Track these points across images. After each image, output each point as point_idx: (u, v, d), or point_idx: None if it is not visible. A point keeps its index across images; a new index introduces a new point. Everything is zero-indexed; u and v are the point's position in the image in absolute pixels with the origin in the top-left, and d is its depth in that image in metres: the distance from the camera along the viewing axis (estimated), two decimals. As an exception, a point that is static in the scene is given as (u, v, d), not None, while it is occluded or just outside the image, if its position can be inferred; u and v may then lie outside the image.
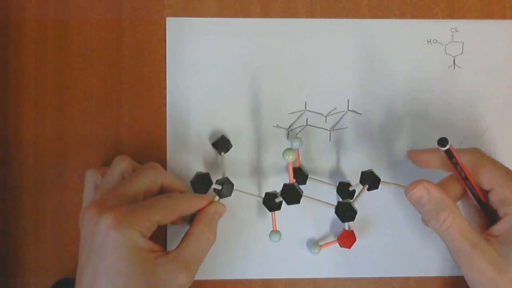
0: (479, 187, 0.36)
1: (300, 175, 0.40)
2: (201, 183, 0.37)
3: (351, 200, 0.37)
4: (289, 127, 0.42)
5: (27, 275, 0.41)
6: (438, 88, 0.42)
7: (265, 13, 0.42)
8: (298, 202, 0.36)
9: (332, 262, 0.41)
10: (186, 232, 0.36)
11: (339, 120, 0.42)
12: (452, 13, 0.43)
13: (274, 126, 0.42)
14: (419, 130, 0.42)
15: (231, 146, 0.41)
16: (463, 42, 0.43)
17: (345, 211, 0.36)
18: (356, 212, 0.36)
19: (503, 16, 0.43)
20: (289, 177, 0.36)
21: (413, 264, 0.42)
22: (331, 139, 0.42)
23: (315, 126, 0.42)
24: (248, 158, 0.42)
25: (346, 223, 0.40)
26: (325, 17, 0.42)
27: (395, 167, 0.42)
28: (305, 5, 0.42)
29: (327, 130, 0.42)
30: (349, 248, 0.40)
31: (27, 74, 0.41)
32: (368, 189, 0.38)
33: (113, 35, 0.42)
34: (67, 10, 0.42)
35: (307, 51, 0.42)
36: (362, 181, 0.39)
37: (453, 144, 0.42)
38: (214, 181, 0.38)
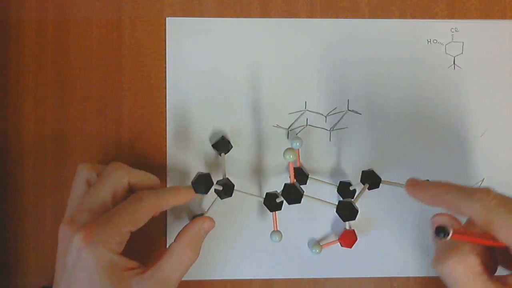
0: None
1: (301, 175, 0.40)
2: (202, 183, 0.36)
3: (352, 199, 0.37)
4: (289, 127, 0.42)
5: (27, 275, 0.41)
6: (438, 88, 0.42)
7: (265, 13, 0.42)
8: (299, 202, 0.36)
9: (332, 262, 0.41)
10: (168, 247, 0.35)
11: (339, 120, 0.42)
12: (452, 13, 0.43)
13: (274, 126, 0.42)
14: (419, 130, 0.42)
15: (231, 147, 0.41)
16: (463, 42, 0.43)
17: (346, 210, 0.36)
18: (357, 211, 0.36)
19: (503, 16, 0.43)
20: (290, 177, 0.36)
21: (413, 264, 0.42)
22: (331, 139, 0.42)
23: (315, 126, 0.42)
24: (248, 158, 0.41)
25: (347, 223, 0.40)
26: (325, 17, 0.42)
27: (395, 167, 0.42)
28: (305, 5, 0.42)
29: (327, 130, 0.42)
30: (350, 247, 0.40)
31: (27, 74, 0.41)
32: (369, 188, 0.38)
33: (113, 35, 0.42)
34: (67, 10, 0.42)
35: (307, 51, 0.42)
36: (362, 181, 0.39)
37: (453, 144, 0.42)
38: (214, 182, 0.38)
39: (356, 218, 0.36)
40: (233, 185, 0.38)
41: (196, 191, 0.36)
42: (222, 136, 0.41)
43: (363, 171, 0.39)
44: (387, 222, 0.42)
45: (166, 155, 0.41)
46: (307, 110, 0.42)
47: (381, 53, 0.42)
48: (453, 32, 0.43)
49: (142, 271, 0.33)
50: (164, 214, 0.41)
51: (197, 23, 0.42)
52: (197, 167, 0.41)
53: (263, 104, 0.42)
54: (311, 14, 0.42)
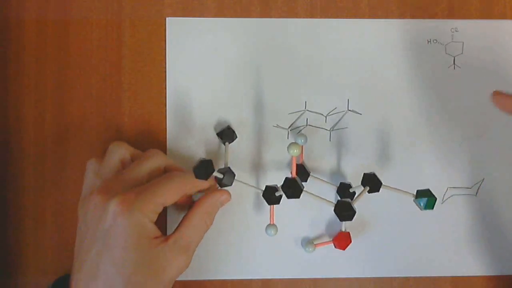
0: None
1: (302, 172, 0.40)
2: (203, 169, 0.36)
3: (351, 200, 0.37)
4: (289, 127, 0.42)
5: (27, 275, 0.41)
6: (438, 88, 0.42)
7: (265, 13, 0.42)
8: (298, 197, 0.36)
9: (332, 262, 0.41)
10: (185, 215, 0.36)
11: (339, 120, 0.42)
12: (452, 13, 0.43)
13: (274, 126, 0.42)
14: (419, 130, 0.42)
15: (236, 137, 0.41)
16: (463, 42, 0.43)
17: (344, 210, 0.36)
18: (354, 212, 0.36)
19: (503, 16, 0.43)
20: (291, 171, 0.36)
21: (413, 264, 0.42)
22: (331, 139, 0.42)
23: (315, 126, 0.42)
24: (248, 158, 0.41)
25: (343, 224, 0.40)
26: (325, 17, 0.42)
27: (395, 167, 0.42)
28: (305, 5, 0.42)
29: (327, 130, 0.42)
30: (344, 249, 0.40)
31: (27, 74, 0.41)
32: (369, 192, 0.38)
33: (113, 35, 0.42)
34: (67, 10, 0.42)
35: (307, 51, 0.42)
36: (363, 183, 0.39)
37: (453, 144, 0.42)
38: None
39: (354, 219, 0.36)
40: (234, 174, 0.38)
41: (197, 177, 0.36)
42: (228, 126, 0.41)
43: (364, 174, 0.39)
44: (387, 222, 0.42)
45: (166, 155, 0.41)
46: (307, 110, 0.42)
47: (381, 53, 0.42)
48: (453, 32, 0.43)
49: (166, 238, 0.35)
50: (164, 214, 0.41)
51: (197, 23, 0.42)
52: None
53: (263, 104, 0.42)
54: (311, 14, 0.42)
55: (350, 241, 0.40)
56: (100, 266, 0.32)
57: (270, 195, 0.37)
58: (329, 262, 0.41)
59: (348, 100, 0.42)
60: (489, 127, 0.42)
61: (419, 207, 0.36)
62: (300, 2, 0.42)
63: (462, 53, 0.43)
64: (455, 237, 0.42)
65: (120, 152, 0.38)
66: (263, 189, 0.38)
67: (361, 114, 0.42)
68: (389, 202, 0.42)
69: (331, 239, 0.41)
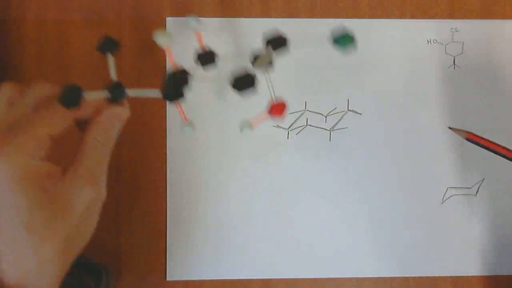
0: None
1: (209, 54, 0.35)
2: (68, 95, 0.32)
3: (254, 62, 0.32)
4: (289, 127, 0.42)
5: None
6: (438, 88, 0.42)
7: (265, 13, 0.42)
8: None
9: (332, 262, 0.41)
10: (80, 141, 0.32)
11: (339, 120, 0.42)
12: (452, 13, 0.43)
13: (274, 126, 0.42)
14: (419, 130, 0.42)
15: (119, 45, 0.35)
16: (463, 42, 0.43)
17: (240, 80, 0.31)
18: (253, 77, 0.31)
19: (503, 16, 0.43)
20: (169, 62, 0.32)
21: (413, 264, 0.42)
22: (331, 139, 0.42)
23: (315, 126, 0.42)
24: (249, 158, 0.41)
25: (273, 96, 0.34)
26: (325, 17, 0.42)
27: (395, 167, 0.42)
28: (305, 5, 0.42)
29: (327, 130, 0.42)
30: (282, 115, 0.34)
31: (27, 74, 0.41)
32: (274, 49, 0.33)
33: (113, 35, 0.42)
34: (67, 10, 0.42)
35: (307, 51, 0.42)
36: (266, 44, 0.33)
37: (453, 144, 0.42)
38: None
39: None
40: (124, 88, 0.34)
41: (65, 106, 0.32)
42: (106, 36, 0.35)
43: (264, 36, 0.34)
44: (387, 222, 0.42)
45: (166, 155, 0.41)
46: (307, 110, 0.42)
47: (381, 53, 0.42)
48: (453, 32, 0.43)
49: (62, 173, 0.30)
50: (164, 213, 0.41)
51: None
52: (197, 167, 0.41)
53: (263, 104, 0.42)
54: (311, 14, 0.42)
55: (286, 106, 0.34)
56: None
57: (172, 89, 0.33)
58: (329, 262, 0.41)
59: (348, 100, 0.42)
60: (489, 127, 0.42)
61: (340, 50, 0.32)
62: (300, 2, 0.42)
63: (462, 53, 0.43)
64: (455, 237, 0.42)
65: (9, 95, 0.32)
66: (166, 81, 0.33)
67: (361, 114, 0.42)
68: (389, 202, 0.42)
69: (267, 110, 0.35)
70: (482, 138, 0.36)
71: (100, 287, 0.35)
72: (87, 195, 0.30)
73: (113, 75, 0.34)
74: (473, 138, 0.37)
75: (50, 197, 0.29)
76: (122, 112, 0.34)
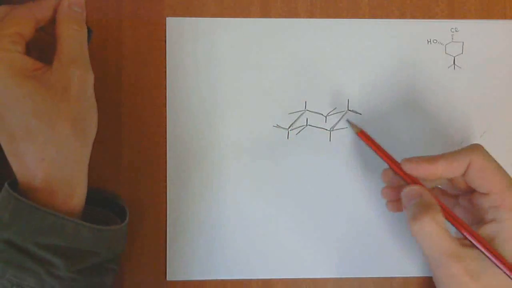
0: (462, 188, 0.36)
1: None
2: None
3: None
4: (289, 127, 0.42)
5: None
6: (438, 88, 0.42)
7: (265, 13, 0.42)
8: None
9: (332, 262, 0.41)
10: (55, 33, 0.34)
11: (339, 120, 0.42)
12: (452, 13, 0.43)
13: (274, 126, 0.42)
14: (419, 130, 0.42)
15: (91, 32, 0.38)
16: (463, 42, 0.43)
17: None
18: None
19: (503, 16, 0.43)
20: None
21: (413, 264, 0.42)
22: (331, 139, 0.42)
23: (315, 126, 0.42)
24: (249, 158, 0.41)
25: None
26: (325, 17, 0.42)
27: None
28: (305, 5, 0.42)
29: (327, 130, 0.42)
30: None
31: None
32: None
33: (113, 35, 0.42)
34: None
35: (307, 51, 0.42)
36: None
37: (453, 144, 0.42)
38: None
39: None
40: (91, 31, 0.37)
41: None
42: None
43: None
44: (387, 222, 0.42)
45: (166, 155, 0.41)
46: (307, 110, 0.42)
47: (381, 53, 0.42)
48: (453, 32, 0.43)
49: (47, 66, 0.33)
50: (164, 213, 0.41)
51: (197, 23, 0.42)
52: (197, 166, 0.41)
53: (263, 104, 0.42)
54: (311, 14, 0.42)
55: None
56: (4, 123, 0.32)
57: None
58: (329, 262, 0.41)
59: (348, 100, 0.42)
60: (489, 127, 0.42)
61: None
62: (300, 2, 0.42)
63: (462, 53, 0.43)
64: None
65: None
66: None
67: (361, 114, 0.42)
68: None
69: None
70: (369, 139, 0.37)
71: (123, 225, 0.36)
72: (77, 77, 0.33)
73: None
74: (361, 137, 0.37)
75: (43, 84, 0.32)
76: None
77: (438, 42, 0.42)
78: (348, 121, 0.40)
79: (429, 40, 0.42)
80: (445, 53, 0.43)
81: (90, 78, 0.34)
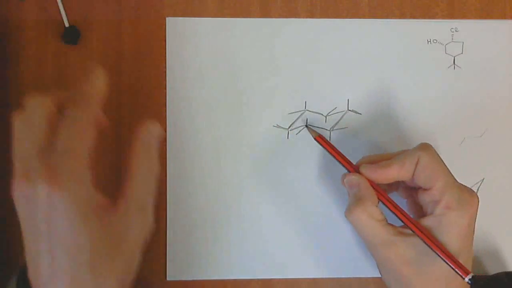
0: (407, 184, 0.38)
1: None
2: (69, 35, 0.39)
3: None
4: (289, 127, 0.42)
5: (27, 275, 0.41)
6: (438, 88, 0.42)
7: (265, 13, 0.42)
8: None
9: (332, 262, 0.41)
10: (126, 169, 0.31)
11: (339, 120, 0.42)
12: (452, 13, 0.43)
13: (274, 126, 0.42)
14: (419, 130, 0.42)
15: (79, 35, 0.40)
16: (463, 42, 0.43)
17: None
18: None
19: (503, 16, 0.43)
20: None
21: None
22: (331, 139, 0.42)
23: (315, 126, 0.42)
24: (249, 158, 0.41)
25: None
26: (325, 17, 0.42)
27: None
28: (305, 5, 0.42)
29: (327, 130, 0.42)
30: None
31: (27, 74, 0.41)
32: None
33: (113, 35, 0.42)
34: (67, 10, 0.42)
35: (307, 51, 0.42)
36: None
37: (453, 144, 0.42)
38: None
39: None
40: (79, 32, 0.39)
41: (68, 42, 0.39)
42: (71, 26, 0.40)
43: None
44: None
45: (166, 155, 0.41)
46: (307, 110, 0.42)
47: (381, 53, 0.42)
48: (453, 32, 0.43)
49: (115, 204, 0.30)
50: (164, 213, 0.41)
51: (197, 23, 0.42)
52: (197, 167, 0.41)
53: (263, 104, 0.42)
54: (311, 14, 0.42)
55: None
56: (55, 263, 0.28)
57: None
58: (329, 262, 0.41)
59: (348, 100, 0.42)
60: (489, 127, 0.42)
61: None
62: (300, 2, 0.42)
63: (462, 53, 0.43)
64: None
65: (41, 112, 0.30)
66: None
67: (361, 114, 0.42)
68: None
69: None
70: (326, 142, 0.38)
71: None
72: (141, 226, 0.30)
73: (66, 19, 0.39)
74: (319, 141, 0.39)
75: (106, 230, 0.29)
76: (156, 129, 0.33)
77: (438, 42, 0.43)
78: (306, 126, 0.41)
79: (429, 40, 0.43)
80: (445, 53, 0.43)
81: (151, 228, 0.31)
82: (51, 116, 0.30)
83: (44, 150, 0.29)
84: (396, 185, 0.39)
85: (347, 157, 0.38)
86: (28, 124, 0.30)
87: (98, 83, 0.33)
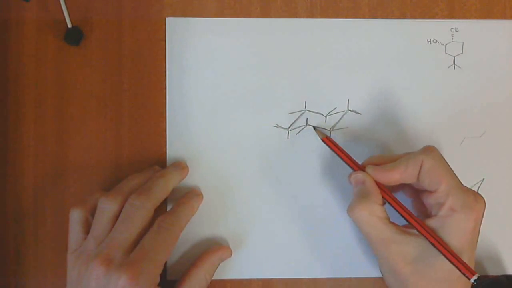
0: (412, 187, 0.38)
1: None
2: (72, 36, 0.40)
3: None
4: (289, 127, 0.42)
5: (27, 275, 0.41)
6: (438, 88, 0.42)
7: (265, 13, 0.42)
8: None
9: (332, 262, 0.41)
10: (187, 273, 0.38)
11: (339, 120, 0.42)
12: (452, 13, 0.43)
13: (274, 126, 0.42)
14: (419, 130, 0.42)
15: (82, 36, 0.41)
16: (463, 42, 0.43)
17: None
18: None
19: (503, 16, 0.43)
20: None
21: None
22: (331, 139, 0.42)
23: (317, 127, 0.42)
24: (249, 158, 0.41)
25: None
26: (325, 17, 0.42)
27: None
28: (305, 5, 0.42)
29: (327, 130, 0.42)
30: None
31: (27, 74, 0.41)
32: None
33: (113, 35, 0.42)
34: (67, 10, 0.42)
35: (307, 51, 0.42)
36: None
37: (453, 144, 0.42)
38: None
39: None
40: (82, 33, 0.40)
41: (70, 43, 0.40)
42: (74, 26, 0.41)
43: None
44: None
45: (166, 155, 0.41)
46: (307, 110, 0.42)
47: (381, 53, 0.42)
48: (453, 32, 0.43)
49: None
50: (164, 212, 0.41)
51: (197, 23, 0.42)
52: (197, 167, 0.41)
53: (263, 104, 0.42)
54: (311, 14, 0.42)
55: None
56: None
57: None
58: (329, 262, 0.41)
59: (348, 100, 0.42)
60: (489, 127, 0.42)
61: None
62: (300, 2, 0.42)
63: (462, 53, 0.43)
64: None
65: (111, 208, 0.36)
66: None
67: (361, 114, 0.42)
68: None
69: None
70: (334, 144, 0.39)
71: None
72: None
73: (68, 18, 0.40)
74: (327, 142, 0.39)
75: None
76: (226, 255, 0.40)
77: (438, 42, 0.43)
78: (314, 128, 0.41)
79: (429, 40, 0.43)
80: (445, 53, 0.43)
81: None
82: (146, 214, 0.36)
83: (131, 244, 0.34)
84: (401, 185, 0.39)
85: (354, 159, 0.38)
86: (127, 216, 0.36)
87: (195, 205, 0.40)
